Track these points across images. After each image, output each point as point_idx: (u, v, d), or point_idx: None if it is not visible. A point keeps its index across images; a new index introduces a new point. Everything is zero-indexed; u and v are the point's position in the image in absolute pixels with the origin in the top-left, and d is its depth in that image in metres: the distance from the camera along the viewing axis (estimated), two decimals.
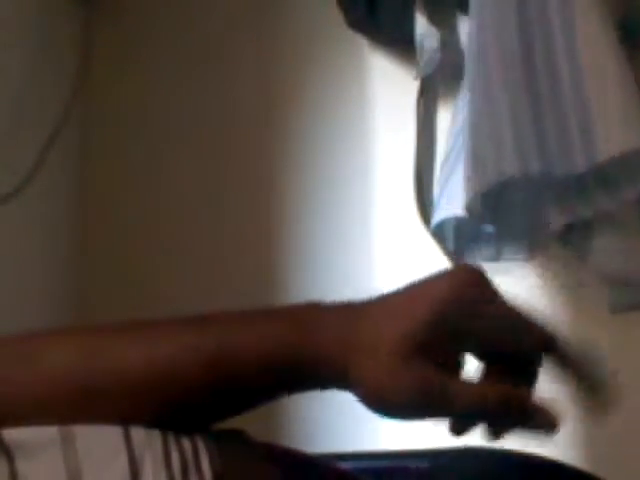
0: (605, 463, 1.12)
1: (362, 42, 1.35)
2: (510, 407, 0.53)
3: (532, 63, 1.01)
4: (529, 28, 1.01)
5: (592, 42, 1.00)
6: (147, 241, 1.45)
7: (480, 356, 0.56)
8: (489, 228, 1.11)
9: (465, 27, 1.11)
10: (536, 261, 1.20)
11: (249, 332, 0.53)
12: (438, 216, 1.10)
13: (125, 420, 0.50)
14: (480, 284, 0.54)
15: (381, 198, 1.33)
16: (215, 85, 1.45)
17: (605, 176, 1.01)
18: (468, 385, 0.54)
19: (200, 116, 1.45)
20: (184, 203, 1.44)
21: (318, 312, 0.54)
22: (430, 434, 1.17)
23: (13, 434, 0.48)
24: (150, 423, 0.51)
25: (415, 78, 1.20)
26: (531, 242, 1.15)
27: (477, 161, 1.01)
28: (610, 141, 0.97)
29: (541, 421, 0.53)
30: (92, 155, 1.49)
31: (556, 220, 1.05)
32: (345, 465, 0.69)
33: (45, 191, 1.38)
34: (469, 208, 1.03)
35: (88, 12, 1.49)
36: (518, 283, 1.23)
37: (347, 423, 1.27)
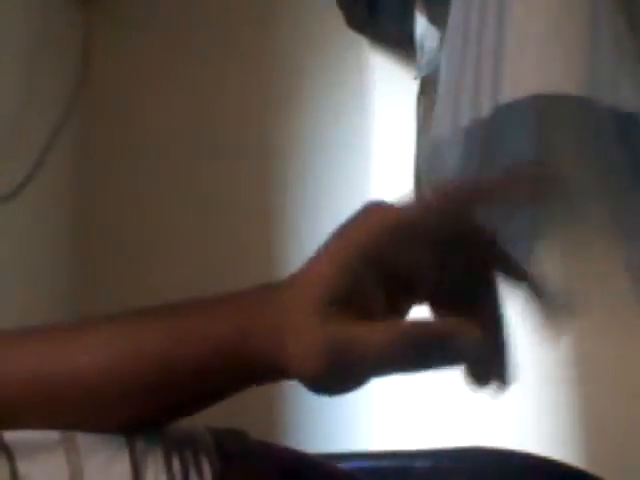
0: (605, 463, 1.12)
1: (362, 42, 1.35)
2: (427, 345, 0.46)
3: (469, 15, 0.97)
4: None
5: None
6: (148, 240, 1.45)
7: (429, 298, 0.51)
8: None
9: None
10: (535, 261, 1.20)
11: (195, 330, 0.52)
12: None
13: (78, 428, 0.49)
14: (391, 216, 0.50)
15: (381, 197, 1.33)
16: (215, 83, 1.45)
17: None
18: (376, 331, 0.46)
19: (200, 114, 1.45)
20: (185, 202, 1.43)
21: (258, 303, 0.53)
22: (428, 434, 1.17)
23: (13, 434, 0.48)
24: (107, 429, 0.50)
25: (415, 78, 1.20)
26: (529, 242, 1.15)
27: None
28: (519, 82, 0.87)
29: (476, 354, 0.45)
30: (92, 155, 1.49)
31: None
32: (347, 465, 0.69)
33: (45, 191, 1.38)
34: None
35: (88, 12, 1.49)
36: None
37: (346, 423, 1.27)
